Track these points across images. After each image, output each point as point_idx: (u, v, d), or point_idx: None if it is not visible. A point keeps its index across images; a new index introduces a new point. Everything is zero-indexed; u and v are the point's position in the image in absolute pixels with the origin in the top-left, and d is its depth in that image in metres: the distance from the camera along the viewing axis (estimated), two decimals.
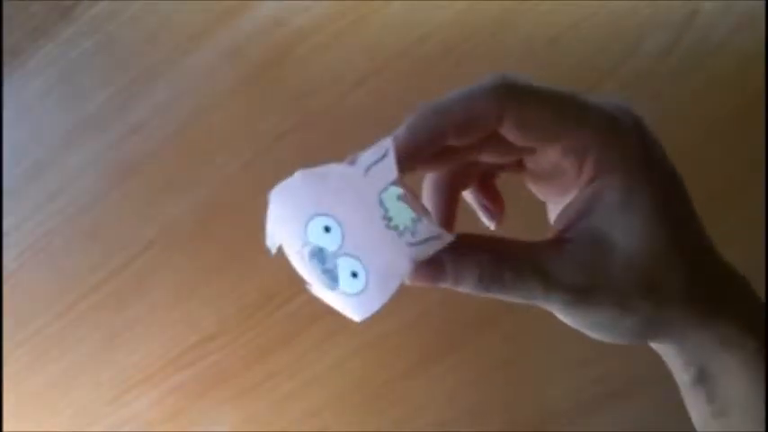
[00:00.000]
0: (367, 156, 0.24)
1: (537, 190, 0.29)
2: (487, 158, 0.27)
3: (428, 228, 0.23)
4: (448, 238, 0.23)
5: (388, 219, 0.23)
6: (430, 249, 0.23)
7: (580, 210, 0.25)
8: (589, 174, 0.25)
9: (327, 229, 0.24)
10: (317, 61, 0.46)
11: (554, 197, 0.28)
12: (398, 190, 0.23)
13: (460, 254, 0.24)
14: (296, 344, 0.48)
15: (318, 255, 0.25)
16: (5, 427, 0.51)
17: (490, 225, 0.29)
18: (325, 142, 0.46)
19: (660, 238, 0.24)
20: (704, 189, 0.43)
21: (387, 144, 0.23)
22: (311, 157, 0.48)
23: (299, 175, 0.25)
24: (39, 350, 0.50)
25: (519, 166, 0.28)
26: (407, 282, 0.24)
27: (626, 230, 0.24)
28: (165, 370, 0.49)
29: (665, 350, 0.26)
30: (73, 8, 0.48)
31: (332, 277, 0.25)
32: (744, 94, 0.43)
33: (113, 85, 0.48)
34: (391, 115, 0.46)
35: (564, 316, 0.25)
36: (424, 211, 0.24)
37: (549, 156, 0.25)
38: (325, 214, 0.24)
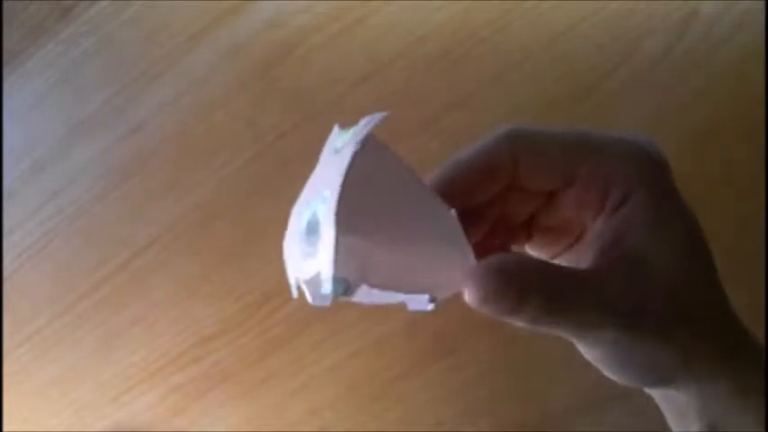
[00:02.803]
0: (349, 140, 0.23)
1: (545, 251, 0.28)
2: (509, 210, 0.26)
3: (364, 120, 0.22)
4: (379, 114, 0.22)
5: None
6: (367, 128, 0.22)
7: (611, 237, 0.24)
8: (615, 201, 0.24)
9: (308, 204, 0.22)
10: (317, 61, 0.46)
11: (562, 254, 0.28)
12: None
13: (525, 271, 0.22)
14: (296, 344, 0.48)
15: (305, 231, 0.22)
16: (5, 427, 0.51)
17: None
18: (325, 141, 0.46)
19: (694, 261, 0.24)
20: (704, 189, 0.43)
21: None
22: (312, 157, 0.48)
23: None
24: (39, 350, 0.50)
25: (527, 234, 0.28)
26: (474, 303, 0.21)
27: (662, 254, 0.23)
28: (165, 370, 0.49)
29: (674, 397, 0.25)
30: (72, 8, 0.48)
31: (314, 231, 0.21)
32: (744, 93, 0.43)
33: (113, 85, 0.48)
34: (391, 115, 0.46)
35: (606, 351, 0.23)
36: None
37: (569, 197, 0.25)
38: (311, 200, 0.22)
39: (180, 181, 0.48)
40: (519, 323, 0.22)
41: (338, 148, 0.22)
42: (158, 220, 0.48)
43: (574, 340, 0.24)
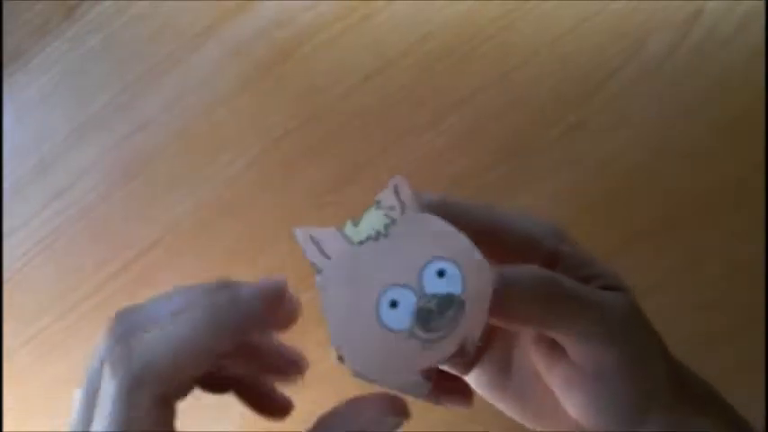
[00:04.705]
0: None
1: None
2: None
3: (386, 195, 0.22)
4: (399, 178, 0.22)
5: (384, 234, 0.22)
6: (411, 197, 0.22)
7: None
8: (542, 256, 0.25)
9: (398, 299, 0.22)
10: (321, 59, 0.46)
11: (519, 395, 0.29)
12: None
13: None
14: (300, 343, 0.47)
15: (424, 317, 0.21)
16: (5, 427, 0.50)
17: (462, 407, 0.29)
18: (330, 140, 0.46)
19: (655, 337, 0.26)
20: (706, 188, 0.43)
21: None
22: (317, 155, 0.48)
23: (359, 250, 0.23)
24: (42, 349, 0.50)
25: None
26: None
27: (631, 342, 0.24)
28: None
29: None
30: (77, 6, 0.48)
31: (447, 307, 0.21)
32: (748, 92, 0.43)
33: (118, 84, 0.48)
34: (395, 113, 0.46)
35: (612, 365, 0.25)
36: None
37: None
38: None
39: (185, 179, 0.48)
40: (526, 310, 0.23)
41: (381, 233, 0.22)
42: (163, 218, 0.48)
43: (581, 340, 0.24)
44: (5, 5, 0.49)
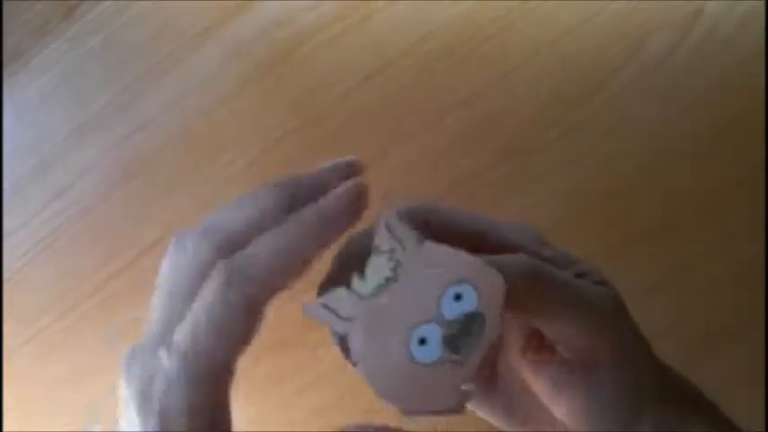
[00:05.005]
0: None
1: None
2: None
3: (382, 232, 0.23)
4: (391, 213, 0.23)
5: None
6: (409, 228, 0.23)
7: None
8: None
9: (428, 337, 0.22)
10: (322, 59, 0.46)
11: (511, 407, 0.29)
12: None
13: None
14: (302, 343, 0.48)
15: (448, 338, 0.22)
16: (5, 427, 0.50)
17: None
18: (330, 140, 0.46)
19: (642, 336, 0.26)
20: (706, 188, 0.43)
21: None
22: (317, 155, 0.48)
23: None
24: (42, 349, 0.50)
25: None
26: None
27: (619, 346, 0.25)
28: None
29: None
30: (77, 6, 0.48)
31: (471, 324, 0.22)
32: (748, 92, 0.43)
33: (118, 84, 0.48)
34: (395, 113, 0.46)
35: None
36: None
37: None
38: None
39: (185, 179, 0.48)
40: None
41: (391, 278, 0.22)
42: (163, 218, 0.48)
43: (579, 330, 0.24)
44: (5, 5, 0.49)
